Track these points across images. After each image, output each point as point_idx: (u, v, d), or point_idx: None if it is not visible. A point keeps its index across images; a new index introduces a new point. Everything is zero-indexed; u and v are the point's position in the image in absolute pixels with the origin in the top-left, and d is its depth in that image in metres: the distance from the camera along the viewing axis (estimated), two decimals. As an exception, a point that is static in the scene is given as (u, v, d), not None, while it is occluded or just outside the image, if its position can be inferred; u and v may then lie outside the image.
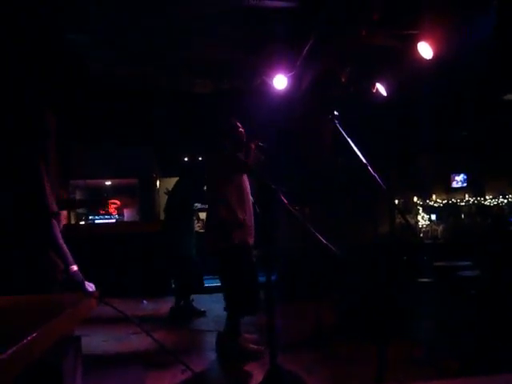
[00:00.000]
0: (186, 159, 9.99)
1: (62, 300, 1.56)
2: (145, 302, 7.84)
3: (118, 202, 12.88)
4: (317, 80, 6.83)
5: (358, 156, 3.35)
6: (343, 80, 6.74)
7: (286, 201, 2.56)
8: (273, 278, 7.64)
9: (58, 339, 1.21)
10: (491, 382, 1.59)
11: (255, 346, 4.71)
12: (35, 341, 1.06)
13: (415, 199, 11.15)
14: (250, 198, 4.94)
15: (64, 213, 8.66)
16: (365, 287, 5.47)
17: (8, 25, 4.97)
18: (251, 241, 4.86)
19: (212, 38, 6.42)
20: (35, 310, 1.41)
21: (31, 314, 1.36)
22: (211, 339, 5.14)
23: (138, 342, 5.30)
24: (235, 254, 4.70)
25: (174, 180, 7.36)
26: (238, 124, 5.07)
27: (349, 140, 3.32)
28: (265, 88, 6.86)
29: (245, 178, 4.92)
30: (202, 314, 6.77)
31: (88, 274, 6.96)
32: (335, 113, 3.40)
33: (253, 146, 4.96)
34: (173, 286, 7.75)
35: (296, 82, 6.76)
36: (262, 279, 9.18)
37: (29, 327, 1.09)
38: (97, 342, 5.27)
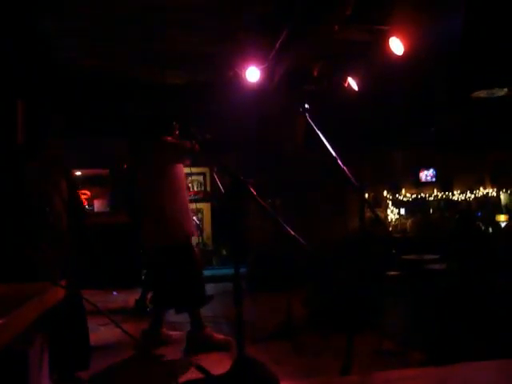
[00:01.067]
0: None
1: (29, 288, 1.55)
2: (115, 293, 7.81)
3: (88, 193, 12.89)
4: (289, 73, 6.85)
5: (328, 149, 3.37)
6: (315, 74, 6.78)
7: (255, 192, 2.56)
8: (242, 269, 7.69)
9: (24, 327, 1.21)
10: (452, 371, 1.63)
11: (222, 337, 4.74)
12: (1, 328, 1.06)
13: (385, 193, 11.28)
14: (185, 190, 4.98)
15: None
16: (334, 280, 5.53)
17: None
18: (192, 233, 4.89)
19: (185, 29, 6.38)
20: (3, 298, 1.40)
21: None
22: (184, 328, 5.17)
23: (107, 333, 5.29)
24: (178, 250, 4.69)
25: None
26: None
27: (319, 133, 3.34)
28: (237, 80, 6.85)
29: (181, 168, 4.91)
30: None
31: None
32: (306, 106, 3.42)
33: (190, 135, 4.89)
34: (142, 277, 7.70)
35: (268, 75, 6.77)
36: (230, 271, 9.24)
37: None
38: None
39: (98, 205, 13.04)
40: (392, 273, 6.05)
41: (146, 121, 5.24)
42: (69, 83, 7.42)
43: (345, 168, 3.29)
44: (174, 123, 4.98)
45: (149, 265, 5.08)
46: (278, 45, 6.20)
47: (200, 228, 9.00)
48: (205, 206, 12.01)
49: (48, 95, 6.99)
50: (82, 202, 3.58)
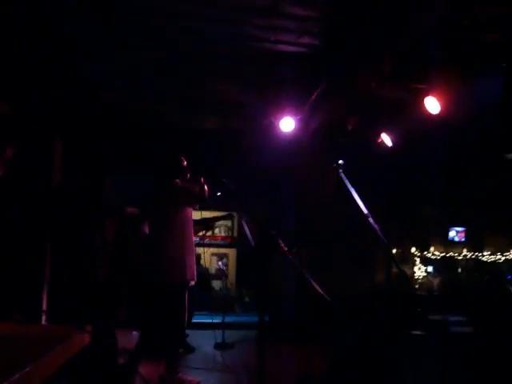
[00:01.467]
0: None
1: (55, 332, 1.55)
2: (135, 332, 7.76)
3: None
4: (323, 125, 6.90)
5: (360, 206, 3.37)
6: (349, 128, 6.81)
7: (285, 247, 2.56)
8: (265, 319, 7.62)
9: (48, 376, 1.20)
10: None
11: (193, 379, 4.67)
12: (25, 377, 1.06)
13: (413, 250, 11.13)
14: (192, 234, 5.03)
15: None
16: (357, 337, 5.42)
17: (23, 50, 5.05)
18: (189, 279, 4.86)
19: (223, 77, 6.51)
20: (27, 341, 1.40)
21: (23, 347, 1.36)
22: (200, 377, 5.12)
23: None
24: (173, 291, 4.68)
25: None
26: (182, 158, 5.11)
27: (352, 190, 3.35)
28: (271, 129, 6.92)
29: (189, 213, 4.96)
30: (192, 350, 6.69)
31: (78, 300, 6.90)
32: (340, 162, 3.43)
33: (201, 180, 4.94)
34: None
35: (303, 126, 6.82)
36: (252, 318, 9.15)
37: (19, 363, 1.09)
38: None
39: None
40: (416, 332, 5.91)
41: (158, 161, 5.34)
42: (111, 122, 7.59)
43: (376, 226, 3.28)
44: (186, 166, 5.07)
45: (143, 301, 5.09)
46: (314, 97, 6.27)
47: (225, 273, 8.98)
48: (231, 252, 12.00)
49: (90, 134, 7.16)
50: (125, 249, 3.62)
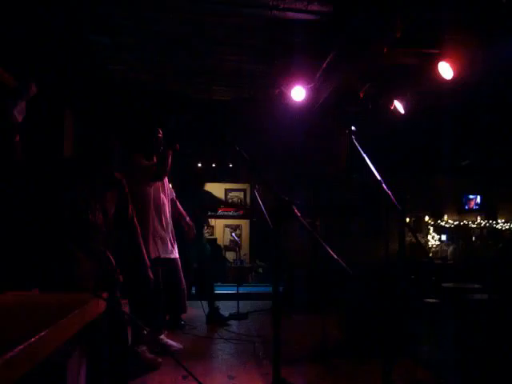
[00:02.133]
0: (199, 165, 9.98)
1: (71, 299, 1.56)
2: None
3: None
4: (335, 94, 6.83)
5: (373, 172, 3.34)
6: (361, 96, 6.74)
7: (299, 214, 2.54)
8: (279, 289, 7.65)
9: (65, 340, 1.21)
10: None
11: (153, 356, 4.65)
12: (42, 340, 1.06)
13: (426, 218, 11.10)
14: (167, 209, 5.03)
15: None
16: (372, 304, 5.44)
17: (32, 21, 5.01)
18: (164, 253, 4.87)
19: (232, 47, 6.44)
20: (45, 309, 1.41)
21: (41, 313, 1.36)
22: (216, 346, 5.16)
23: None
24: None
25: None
26: (159, 130, 5.09)
27: (365, 156, 3.31)
28: (282, 99, 6.87)
29: (157, 186, 4.96)
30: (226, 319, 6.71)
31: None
32: (352, 128, 3.39)
33: (170, 152, 4.93)
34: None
35: (314, 95, 6.77)
36: (266, 289, 9.20)
37: (37, 326, 1.09)
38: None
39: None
40: (430, 300, 5.91)
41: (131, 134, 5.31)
42: (120, 95, 7.57)
43: (389, 192, 3.25)
44: (159, 139, 5.04)
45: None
46: (324, 65, 6.19)
47: (238, 244, 9.00)
48: (244, 223, 12.03)
49: (100, 107, 7.14)
50: (132, 218, 3.59)
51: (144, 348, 4.60)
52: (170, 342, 5.06)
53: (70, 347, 1.49)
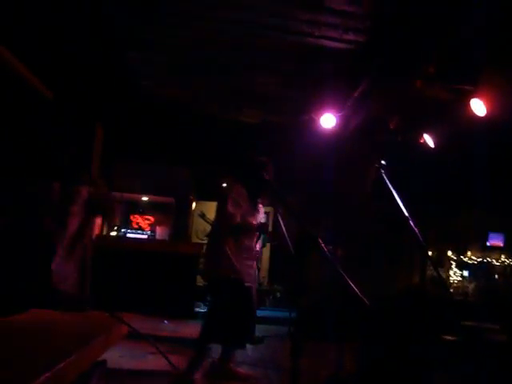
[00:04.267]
0: (224, 185, 9.99)
1: (94, 322, 1.56)
2: (166, 322, 7.82)
3: (152, 219, 13.01)
4: (365, 124, 6.82)
5: (400, 207, 3.31)
6: (391, 127, 6.72)
7: (324, 248, 2.52)
8: (293, 314, 7.59)
9: (89, 365, 1.21)
10: None
11: (243, 371, 4.67)
12: (69, 366, 1.06)
13: (449, 253, 10.95)
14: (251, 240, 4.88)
15: (98, 221, 8.77)
16: (389, 338, 5.36)
17: (66, 38, 5.11)
18: (242, 278, 4.70)
19: (265, 70, 6.49)
20: (71, 332, 1.41)
21: (67, 336, 1.36)
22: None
23: (154, 362, 5.27)
24: (233, 285, 4.61)
25: (209, 204, 7.32)
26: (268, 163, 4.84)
27: (393, 191, 3.29)
28: (312, 125, 6.87)
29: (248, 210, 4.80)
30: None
31: (111, 286, 6.98)
32: (382, 162, 3.37)
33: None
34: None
35: (344, 123, 6.76)
36: (283, 314, 9.10)
37: (64, 351, 1.09)
38: (114, 356, 5.25)
39: (159, 232, 13.24)
40: (449, 337, 5.81)
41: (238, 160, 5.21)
42: (147, 110, 7.65)
43: (415, 229, 3.21)
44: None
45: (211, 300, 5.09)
46: (356, 94, 6.20)
47: (258, 267, 8.97)
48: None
49: (126, 120, 7.23)
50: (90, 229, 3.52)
51: (199, 377, 4.55)
52: (240, 370, 4.97)
53: (91, 370, 1.49)
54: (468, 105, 5.61)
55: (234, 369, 4.84)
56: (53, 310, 1.90)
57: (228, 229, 4.62)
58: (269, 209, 12.07)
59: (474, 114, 5.59)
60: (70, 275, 3.36)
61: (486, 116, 5.55)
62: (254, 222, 4.82)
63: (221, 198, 4.85)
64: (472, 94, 5.57)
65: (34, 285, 2.98)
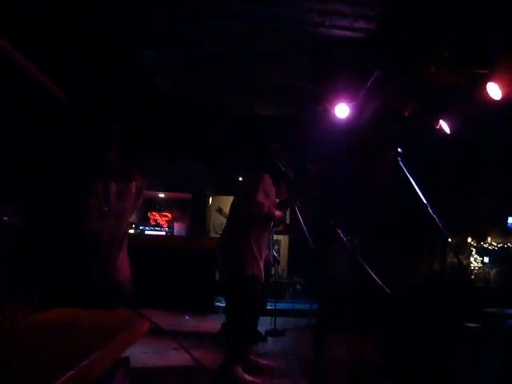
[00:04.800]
0: (240, 179, 10.01)
1: (118, 318, 1.57)
2: (187, 317, 7.86)
3: (169, 215, 13.08)
4: (379, 112, 6.77)
5: (418, 195, 3.29)
6: (406, 114, 6.66)
7: (344, 237, 2.52)
8: (314, 306, 7.58)
9: (113, 361, 1.21)
10: None
11: (251, 378, 4.52)
12: (93, 363, 1.06)
13: (469, 240, 10.86)
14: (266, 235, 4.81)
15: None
16: (411, 328, 5.33)
17: (78, 37, 5.13)
18: (261, 275, 4.68)
19: (278, 63, 6.47)
20: (93, 329, 1.42)
21: (90, 333, 1.37)
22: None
23: (177, 357, 5.31)
24: (248, 285, 4.57)
25: (226, 198, 7.32)
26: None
27: (411, 179, 3.26)
28: (326, 116, 6.84)
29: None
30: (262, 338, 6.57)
31: (133, 283, 6.98)
32: (399, 150, 3.35)
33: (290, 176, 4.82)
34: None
35: (358, 112, 6.72)
36: (303, 306, 9.09)
37: (87, 348, 1.10)
38: (137, 353, 5.29)
39: (177, 228, 13.30)
40: (472, 325, 5.76)
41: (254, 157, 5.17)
42: (161, 107, 7.66)
43: (435, 216, 3.19)
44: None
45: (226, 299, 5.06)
46: (369, 83, 6.16)
47: (277, 260, 8.96)
48: (283, 238, 11.99)
49: (140, 117, 7.24)
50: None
51: (240, 368, 4.49)
52: (262, 361, 4.97)
53: (114, 367, 1.50)
54: (484, 89, 5.54)
55: (256, 360, 4.85)
56: (117, 307, 1.94)
57: (256, 219, 4.58)
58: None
59: (490, 98, 5.52)
60: (127, 271, 3.43)
61: (501, 99, 5.48)
62: (277, 214, 4.78)
63: (243, 189, 4.82)
64: (487, 78, 5.50)
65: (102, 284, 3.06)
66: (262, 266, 4.66)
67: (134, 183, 3.55)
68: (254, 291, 4.59)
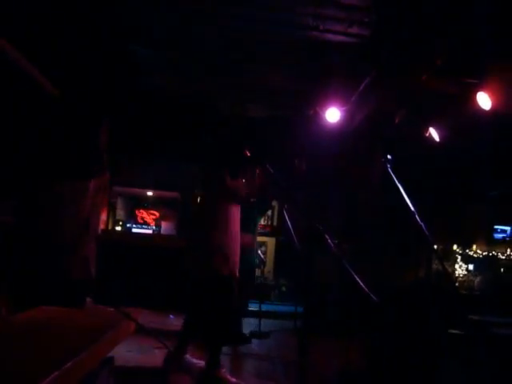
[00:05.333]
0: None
1: (104, 319, 1.56)
2: (172, 316, 7.83)
3: (157, 214, 13.04)
4: (370, 117, 6.80)
5: (406, 202, 3.31)
6: (396, 121, 6.70)
7: (331, 243, 2.53)
8: (299, 309, 7.58)
9: (98, 363, 1.21)
10: None
11: (234, 379, 4.47)
12: (78, 364, 1.06)
13: (455, 247, 10.93)
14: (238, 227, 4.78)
15: (103, 217, 8.78)
16: (396, 332, 5.35)
17: (73, 34, 5.10)
18: (236, 272, 4.65)
19: (270, 65, 6.48)
20: (79, 329, 1.41)
21: (75, 333, 1.36)
22: (238, 365, 5.11)
23: (160, 356, 5.29)
24: (223, 284, 4.55)
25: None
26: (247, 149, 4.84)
27: (399, 186, 3.28)
28: (317, 119, 6.86)
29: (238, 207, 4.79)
30: (247, 340, 6.55)
31: (117, 281, 6.98)
32: (388, 156, 3.37)
33: (257, 171, 4.83)
34: None
35: (349, 118, 6.75)
36: (288, 308, 9.10)
37: (72, 349, 1.09)
38: (121, 351, 5.27)
39: (165, 227, 13.27)
40: (455, 331, 5.79)
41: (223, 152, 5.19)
42: (151, 105, 7.64)
43: (421, 224, 3.22)
44: (248, 158, 4.94)
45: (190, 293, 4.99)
46: (361, 88, 6.18)
47: (263, 262, 8.97)
48: (269, 240, 12.00)
49: (129, 116, 7.21)
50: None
51: (224, 370, 4.46)
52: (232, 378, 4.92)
53: (99, 368, 1.49)
54: (474, 98, 5.59)
55: (224, 375, 4.58)
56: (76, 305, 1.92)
57: (239, 200, 4.64)
58: (273, 203, 12.11)
59: (480, 108, 5.57)
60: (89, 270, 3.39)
61: (491, 109, 5.53)
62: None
63: (209, 184, 4.81)
64: (478, 88, 5.54)
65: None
66: (236, 260, 4.66)
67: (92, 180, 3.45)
68: (231, 290, 4.60)
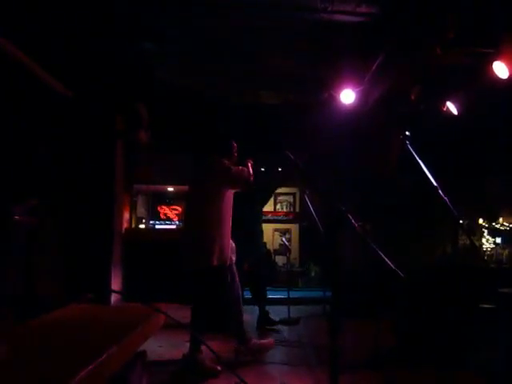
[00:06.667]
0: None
1: (133, 312, 1.57)
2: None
3: (179, 209, 13.10)
4: (385, 96, 6.73)
5: (428, 178, 3.27)
6: (413, 98, 6.62)
7: (354, 223, 2.51)
8: (328, 293, 7.58)
9: (132, 355, 1.21)
10: None
11: (211, 365, 4.52)
12: (111, 358, 1.06)
13: (480, 221, 10.80)
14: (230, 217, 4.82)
15: (126, 216, 8.82)
16: (425, 310, 5.32)
17: (83, 29, 5.12)
18: (227, 262, 4.70)
19: (281, 51, 6.43)
20: (111, 324, 1.42)
21: (107, 328, 1.37)
22: (268, 352, 5.11)
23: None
24: (213, 275, 4.61)
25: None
26: (234, 145, 5.06)
27: (420, 162, 3.25)
28: (331, 102, 6.81)
29: (231, 195, 4.82)
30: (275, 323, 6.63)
31: (145, 278, 7.03)
32: (407, 133, 3.33)
33: (249, 164, 4.97)
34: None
35: (363, 97, 6.69)
36: (317, 293, 9.10)
37: (106, 343, 1.10)
38: (153, 346, 5.31)
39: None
40: (486, 306, 5.74)
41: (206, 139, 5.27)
42: (169, 101, 7.65)
43: (445, 198, 3.18)
44: (233, 144, 5.01)
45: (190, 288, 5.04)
46: (374, 67, 6.12)
47: (288, 248, 8.96)
48: (293, 227, 12.00)
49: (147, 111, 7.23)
50: None
51: (203, 356, 4.54)
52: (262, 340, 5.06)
53: (133, 360, 1.50)
54: (490, 68, 5.50)
55: (256, 343, 4.88)
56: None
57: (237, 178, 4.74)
58: (294, 189, 12.08)
59: (497, 77, 5.48)
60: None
61: (508, 78, 5.44)
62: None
63: (205, 175, 4.83)
64: (494, 57, 5.45)
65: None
66: (228, 252, 4.69)
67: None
68: (222, 280, 4.63)
